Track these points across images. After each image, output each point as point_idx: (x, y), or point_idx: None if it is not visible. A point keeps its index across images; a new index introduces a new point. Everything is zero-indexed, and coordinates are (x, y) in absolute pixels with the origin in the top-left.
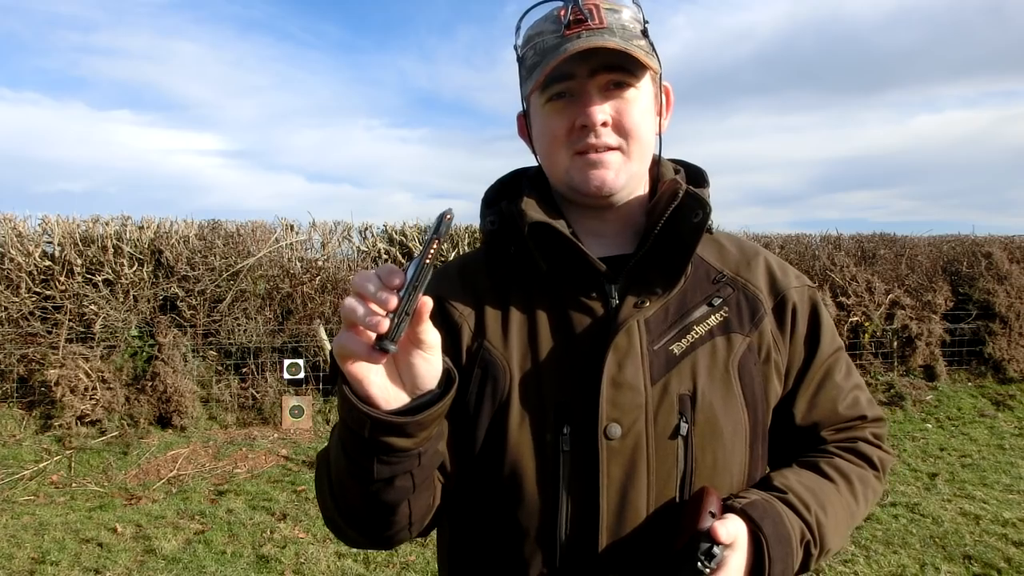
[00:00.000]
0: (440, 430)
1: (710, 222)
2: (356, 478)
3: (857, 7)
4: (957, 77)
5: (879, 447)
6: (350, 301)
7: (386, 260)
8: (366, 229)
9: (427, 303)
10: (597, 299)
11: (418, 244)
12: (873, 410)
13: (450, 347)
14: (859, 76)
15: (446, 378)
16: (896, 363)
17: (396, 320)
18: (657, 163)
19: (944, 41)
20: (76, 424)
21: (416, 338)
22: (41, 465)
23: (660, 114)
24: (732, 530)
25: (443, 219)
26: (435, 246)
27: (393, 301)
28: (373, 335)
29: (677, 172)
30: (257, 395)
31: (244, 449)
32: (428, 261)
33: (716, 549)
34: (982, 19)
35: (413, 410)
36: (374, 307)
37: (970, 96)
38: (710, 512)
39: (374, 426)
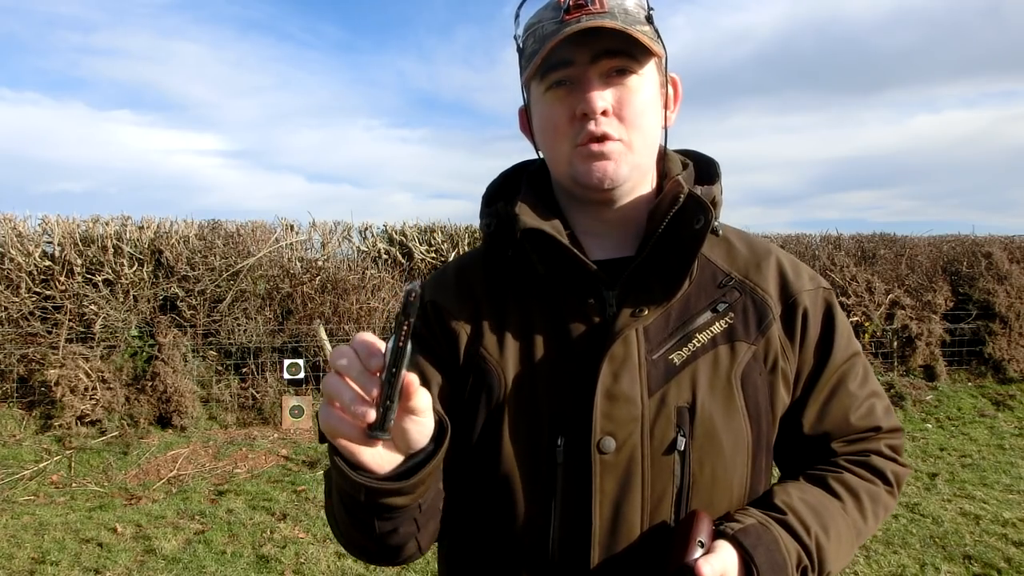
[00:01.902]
0: (438, 476)
1: (714, 224)
2: (359, 530)
3: (855, 8)
4: (956, 77)
5: (894, 460)
6: (333, 382)
7: (386, 260)
8: (366, 229)
9: (412, 382)
10: (594, 306)
11: (418, 244)
12: (889, 420)
13: (447, 353)
14: (858, 76)
15: (438, 429)
16: (896, 363)
17: (382, 409)
18: (664, 156)
19: (942, 42)
20: (76, 424)
21: (406, 407)
22: (41, 465)
23: (666, 106)
24: (718, 567)
25: (409, 298)
26: (406, 327)
27: (374, 390)
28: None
29: (685, 167)
30: (257, 395)
31: (244, 449)
32: (402, 344)
33: None
34: (980, 20)
35: (407, 472)
36: (358, 391)
37: (969, 96)
38: (699, 541)
39: (369, 492)
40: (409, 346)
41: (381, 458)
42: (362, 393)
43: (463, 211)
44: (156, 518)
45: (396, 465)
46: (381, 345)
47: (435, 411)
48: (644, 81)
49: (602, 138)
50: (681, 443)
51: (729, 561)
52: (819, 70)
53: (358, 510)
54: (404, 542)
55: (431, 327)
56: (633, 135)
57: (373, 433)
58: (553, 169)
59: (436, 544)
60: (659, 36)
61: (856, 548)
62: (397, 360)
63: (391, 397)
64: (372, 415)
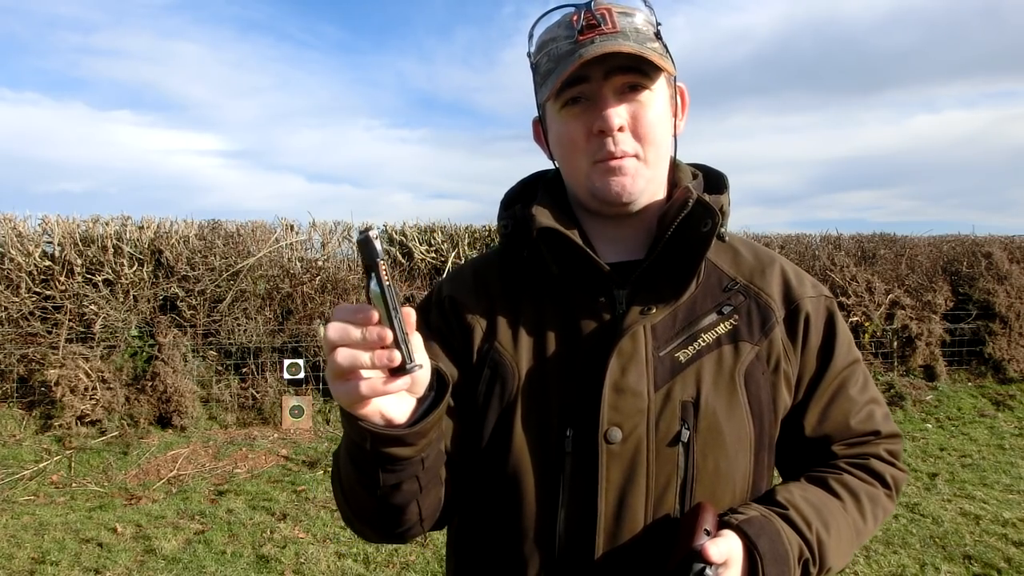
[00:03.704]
0: (440, 433)
1: (721, 230)
2: (364, 485)
3: (853, 8)
4: (955, 78)
5: (893, 464)
6: (343, 353)
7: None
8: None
9: (410, 313)
10: (605, 304)
11: (418, 244)
12: (888, 426)
13: (462, 347)
14: (857, 77)
15: (439, 381)
16: (896, 363)
17: (402, 346)
18: (675, 167)
19: (941, 42)
20: (76, 424)
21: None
22: (41, 465)
23: (676, 115)
24: (724, 549)
25: (370, 241)
26: (383, 266)
27: (388, 334)
28: (379, 371)
29: (695, 177)
30: (257, 395)
31: (244, 449)
32: (388, 281)
33: (709, 570)
34: (978, 20)
35: (411, 422)
36: (373, 345)
37: (968, 96)
38: (705, 530)
39: (375, 439)
40: (392, 283)
41: (397, 411)
42: (376, 345)
43: (463, 211)
44: (156, 518)
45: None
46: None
47: (433, 363)
48: (656, 95)
49: (620, 155)
50: (685, 435)
51: (734, 547)
52: (818, 70)
53: (364, 462)
54: (406, 502)
55: (448, 320)
56: (648, 149)
57: (409, 367)
58: (570, 183)
59: (445, 537)
60: (668, 52)
61: (856, 547)
62: (392, 298)
63: (404, 331)
64: (397, 356)
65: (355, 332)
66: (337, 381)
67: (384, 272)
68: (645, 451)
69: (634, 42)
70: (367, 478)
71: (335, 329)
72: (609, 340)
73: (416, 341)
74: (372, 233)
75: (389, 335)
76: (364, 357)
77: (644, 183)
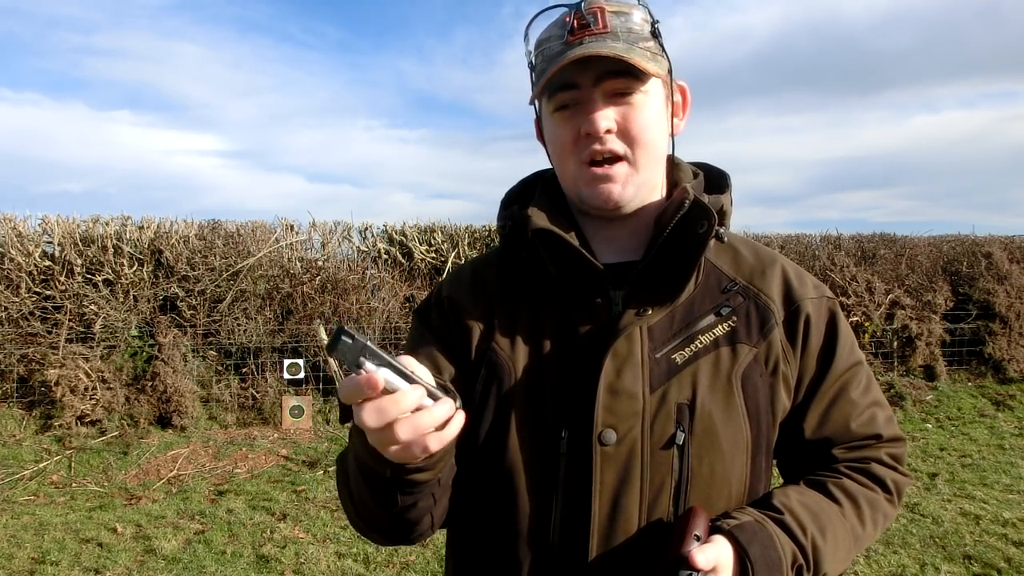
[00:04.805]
0: (452, 447)
1: (719, 230)
2: (380, 505)
3: (852, 8)
4: (954, 78)
5: (895, 469)
6: (406, 424)
7: (386, 260)
8: (366, 229)
9: (408, 357)
10: (601, 305)
11: (418, 244)
12: (891, 429)
13: (461, 347)
14: (856, 77)
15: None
16: (896, 363)
17: (433, 390)
18: (675, 166)
19: (940, 42)
20: (76, 424)
21: None
22: (41, 465)
23: (674, 115)
24: (712, 556)
25: (342, 336)
26: (364, 346)
27: (416, 398)
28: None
29: (696, 176)
30: (257, 395)
31: (244, 449)
32: (380, 351)
33: None
34: (978, 21)
35: None
36: (417, 410)
37: (968, 97)
38: (695, 535)
39: (396, 468)
40: (374, 346)
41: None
42: (420, 408)
43: (463, 211)
44: (156, 518)
45: None
46: (373, 377)
47: (443, 385)
48: (649, 97)
49: (610, 159)
50: (680, 438)
51: (724, 554)
52: (817, 71)
53: (383, 486)
54: (421, 516)
55: (447, 321)
56: (638, 152)
57: (458, 405)
58: (563, 183)
59: (445, 538)
60: (663, 50)
61: (854, 553)
62: (390, 363)
63: (411, 380)
64: (440, 406)
65: (402, 405)
66: (375, 436)
67: (368, 349)
68: (640, 453)
69: (624, 43)
70: (384, 499)
71: (373, 412)
72: (604, 341)
73: (420, 371)
74: (338, 332)
75: (421, 398)
76: (424, 421)
77: (634, 189)
